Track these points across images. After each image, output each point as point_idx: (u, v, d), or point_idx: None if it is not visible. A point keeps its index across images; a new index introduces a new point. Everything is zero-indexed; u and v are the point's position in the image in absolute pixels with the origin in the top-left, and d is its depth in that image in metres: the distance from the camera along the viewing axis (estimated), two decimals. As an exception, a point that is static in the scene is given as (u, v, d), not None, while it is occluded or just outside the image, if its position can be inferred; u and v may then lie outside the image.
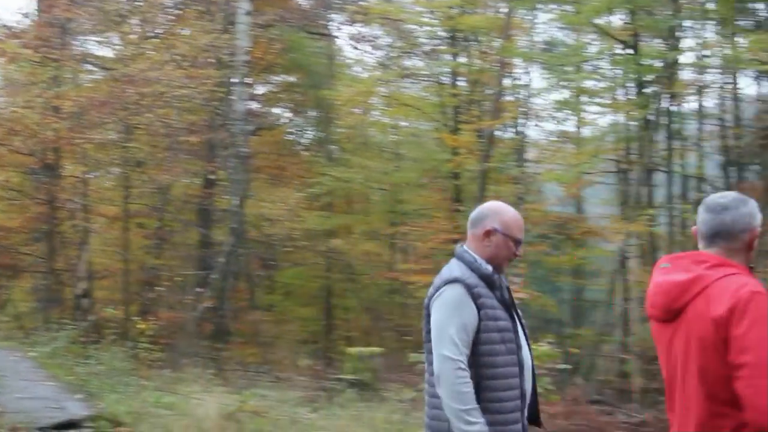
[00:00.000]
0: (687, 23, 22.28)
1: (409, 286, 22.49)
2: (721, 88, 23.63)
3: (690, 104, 24.08)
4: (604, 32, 21.68)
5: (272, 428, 10.55)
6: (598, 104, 24.52)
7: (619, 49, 22.51)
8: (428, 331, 4.32)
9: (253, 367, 18.67)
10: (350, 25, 26.68)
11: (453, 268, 4.37)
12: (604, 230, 23.90)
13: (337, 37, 29.15)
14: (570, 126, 26.39)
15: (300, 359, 20.79)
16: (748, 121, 24.09)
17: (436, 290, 4.30)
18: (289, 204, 22.23)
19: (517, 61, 24.48)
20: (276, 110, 29.89)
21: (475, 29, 23.79)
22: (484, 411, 4.12)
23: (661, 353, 3.68)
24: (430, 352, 4.29)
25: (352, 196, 27.36)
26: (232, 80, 21.73)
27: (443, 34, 25.25)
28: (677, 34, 22.19)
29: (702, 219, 3.65)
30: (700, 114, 24.16)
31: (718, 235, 3.58)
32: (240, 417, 10.66)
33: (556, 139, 26.59)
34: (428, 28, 25.08)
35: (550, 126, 26.60)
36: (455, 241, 22.12)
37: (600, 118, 25.88)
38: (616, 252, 22.94)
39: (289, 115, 31.00)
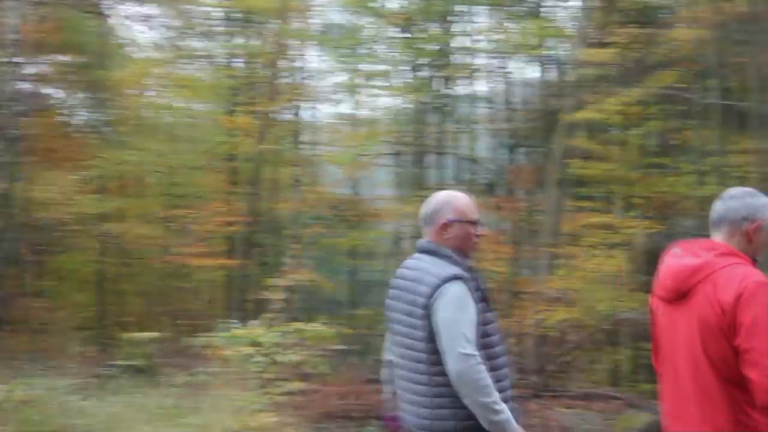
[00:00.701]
0: (460, 8, 22.81)
1: (186, 269, 22.17)
2: (494, 72, 24.31)
3: (464, 88, 24.65)
4: (380, 15, 21.95)
5: (41, 417, 10.16)
6: (376, 87, 24.77)
7: (395, 33, 22.83)
8: (428, 330, 4.27)
9: (23, 356, 17.95)
10: (126, 4, 25.99)
11: (436, 263, 4.37)
12: (381, 211, 24.26)
13: (111, 16, 28.30)
14: (348, 108, 26.58)
15: (73, 346, 20.13)
16: (520, 105, 24.89)
17: (435, 289, 4.25)
18: (63, 187, 21.47)
19: (294, 43, 24.45)
20: (49, 91, 28.75)
21: (252, 10, 23.59)
22: None
23: (660, 330, 4.03)
24: (431, 352, 4.26)
25: (128, 179, 26.66)
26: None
27: (220, 14, 24.94)
28: (450, 18, 22.71)
29: (714, 208, 4.01)
30: (474, 97, 24.78)
31: (722, 220, 3.93)
32: (7, 407, 10.22)
33: (334, 121, 26.72)
34: (206, 8, 24.71)
35: (329, 108, 26.73)
36: (231, 224, 21.89)
37: (377, 101, 26.19)
38: (392, 233, 23.32)
39: (62, 95, 29.89)
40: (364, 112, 26.36)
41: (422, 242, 4.56)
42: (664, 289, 3.97)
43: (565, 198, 19.88)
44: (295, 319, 11.79)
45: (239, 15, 24.44)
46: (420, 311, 4.29)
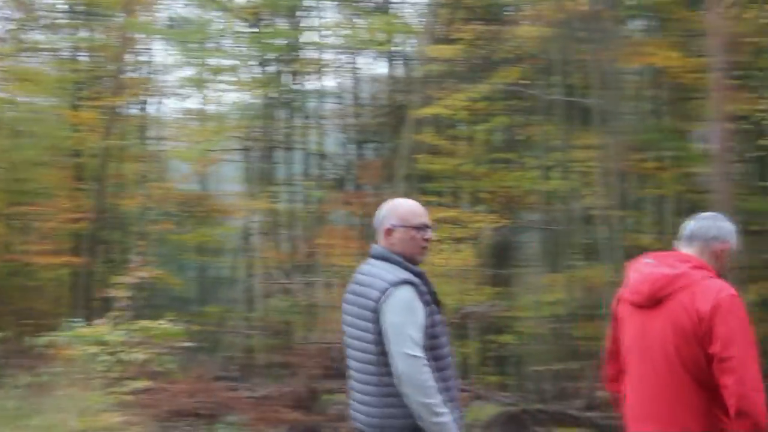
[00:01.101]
0: (308, 3, 22.79)
1: (30, 267, 21.52)
2: (342, 67, 24.35)
3: (312, 83, 24.63)
4: (227, 9, 21.74)
5: None
6: (223, 82, 24.52)
7: (243, 27, 22.65)
8: (377, 333, 4.36)
9: None
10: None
11: (388, 269, 4.47)
12: (229, 207, 24.04)
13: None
14: (196, 103, 26.24)
15: None
16: (368, 100, 25.01)
17: (383, 292, 4.36)
18: None
19: (140, 36, 23.99)
20: None
21: (97, 2, 23.04)
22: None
23: (629, 334, 4.31)
24: (381, 353, 4.36)
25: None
26: None
27: (64, 6, 24.28)
28: (299, 13, 22.66)
29: (686, 227, 4.42)
30: (322, 93, 24.77)
31: (694, 237, 4.34)
32: None
33: (181, 116, 26.33)
34: (49, 0, 24.03)
35: (176, 103, 26.35)
36: (76, 221, 21.32)
37: (225, 96, 25.93)
38: (240, 229, 23.14)
39: None
40: (211, 107, 26.07)
41: (374, 248, 4.70)
42: (639, 295, 4.26)
43: (413, 193, 20.06)
44: (142, 317, 11.55)
45: (83, 7, 23.82)
46: (370, 314, 4.42)
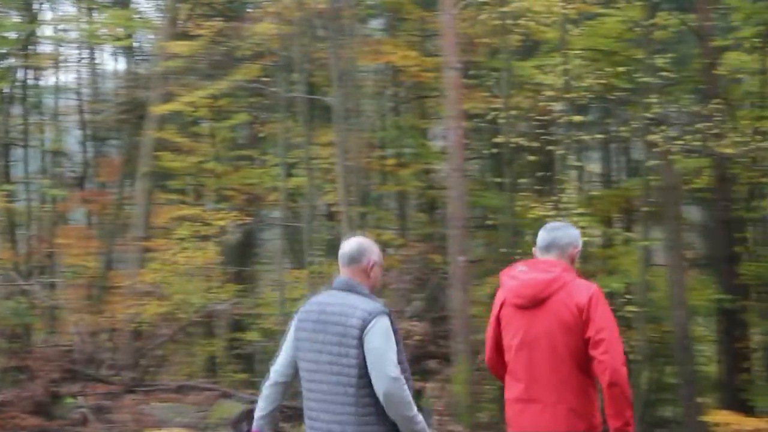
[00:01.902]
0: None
1: None
2: (80, 62, 23.65)
3: (49, 78, 23.76)
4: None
5: None
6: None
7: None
8: (361, 357, 4.76)
9: None
10: None
11: (360, 300, 4.89)
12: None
13: None
14: None
15: None
16: (107, 96, 24.40)
17: (366, 322, 4.77)
18: None
19: None
20: None
21: None
22: None
23: (513, 332, 5.04)
24: (362, 376, 4.76)
25: None
26: None
27: None
28: (35, 6, 21.84)
29: (541, 236, 5.20)
30: (60, 88, 23.94)
31: (552, 246, 5.14)
32: None
33: None
34: None
35: None
36: None
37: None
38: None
39: None
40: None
41: (342, 280, 5.02)
42: (523, 299, 5.02)
43: (155, 191, 19.74)
44: None
45: None
46: (353, 341, 4.80)
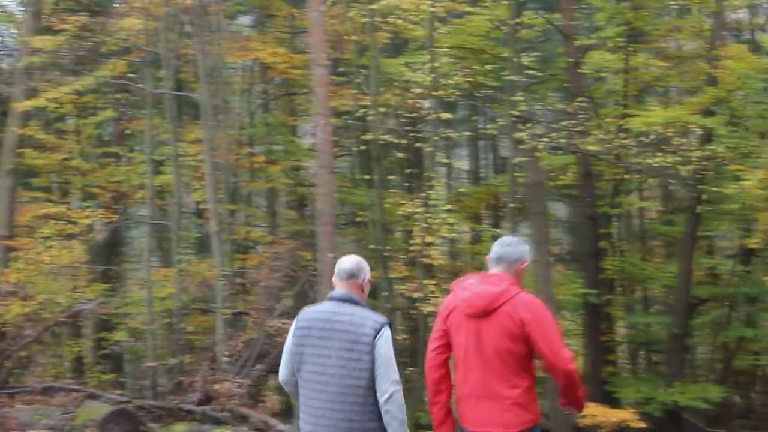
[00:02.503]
0: None
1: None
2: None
3: None
4: None
5: None
6: None
7: None
8: (371, 362, 5.53)
9: None
10: None
11: (365, 311, 5.70)
12: None
13: None
14: None
15: None
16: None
17: (377, 331, 5.55)
18: None
19: None
20: None
21: None
22: None
23: (463, 337, 5.70)
24: (371, 379, 5.54)
25: None
26: None
27: None
28: None
29: (493, 250, 5.84)
30: None
31: (501, 260, 5.80)
32: None
33: None
34: None
35: None
36: None
37: None
38: None
39: None
40: None
41: (342, 293, 5.79)
42: (474, 308, 5.68)
43: (18, 188, 19.26)
44: None
45: None
46: (366, 347, 5.54)
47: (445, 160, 25.71)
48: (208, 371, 14.88)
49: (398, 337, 19.11)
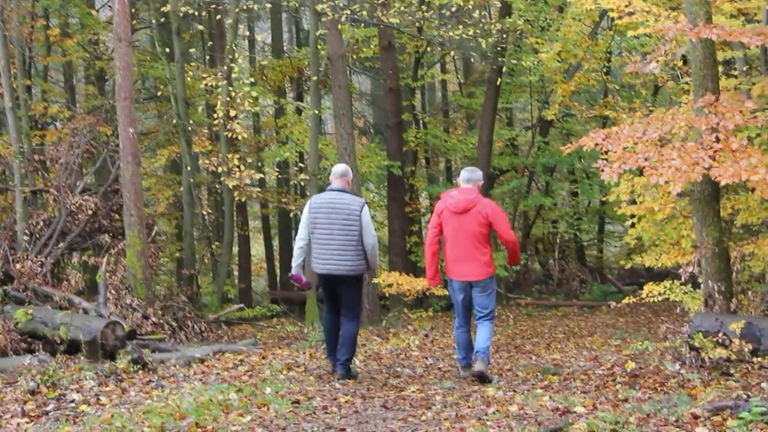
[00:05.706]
0: None
1: None
2: None
3: None
4: None
5: None
6: None
7: None
8: (360, 226, 9.62)
9: None
10: None
11: (352, 196, 9.72)
12: None
13: None
14: None
15: None
16: None
17: (361, 207, 9.59)
18: None
19: None
20: None
21: None
22: None
23: (452, 226, 9.51)
24: (360, 235, 9.68)
25: None
26: None
27: None
28: None
29: (462, 175, 9.74)
30: None
31: (470, 180, 9.62)
32: None
33: None
34: None
35: None
36: None
37: None
38: None
39: None
40: None
41: (339, 186, 9.64)
42: (458, 208, 9.47)
43: None
44: None
45: None
46: (355, 217, 9.43)
47: (247, 33, 25.46)
48: (8, 251, 14.51)
49: (204, 212, 19.14)
